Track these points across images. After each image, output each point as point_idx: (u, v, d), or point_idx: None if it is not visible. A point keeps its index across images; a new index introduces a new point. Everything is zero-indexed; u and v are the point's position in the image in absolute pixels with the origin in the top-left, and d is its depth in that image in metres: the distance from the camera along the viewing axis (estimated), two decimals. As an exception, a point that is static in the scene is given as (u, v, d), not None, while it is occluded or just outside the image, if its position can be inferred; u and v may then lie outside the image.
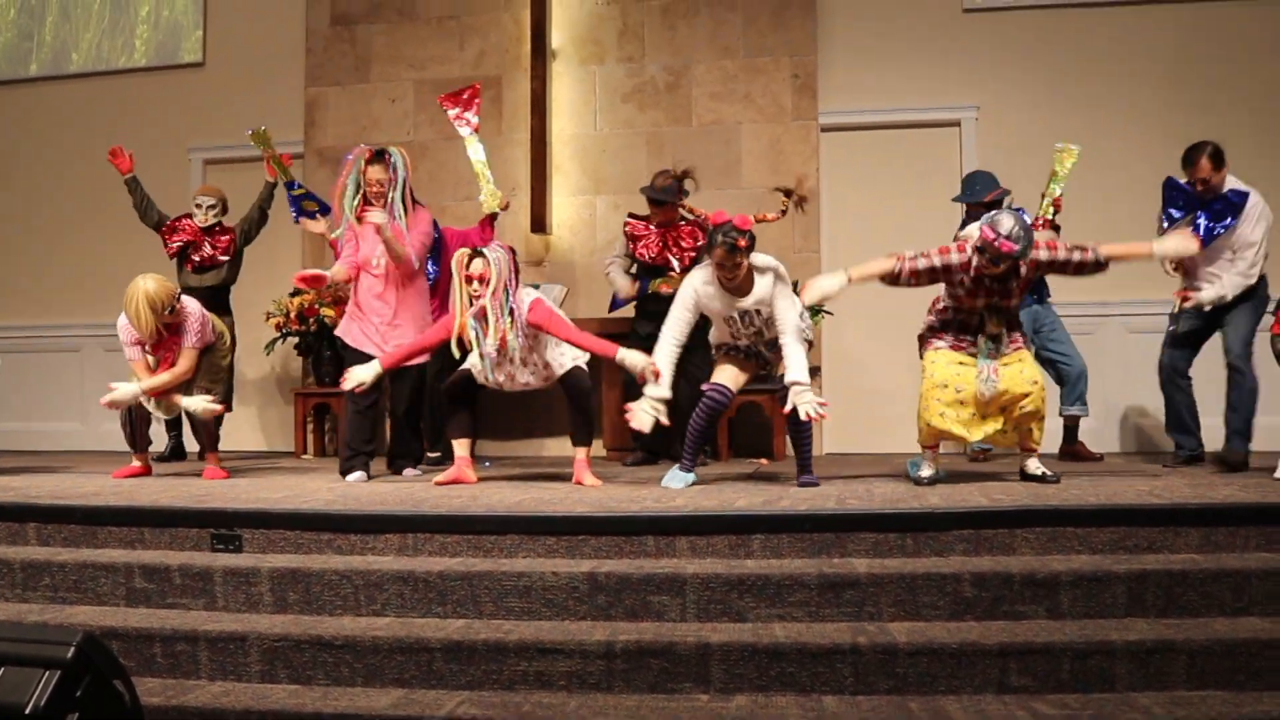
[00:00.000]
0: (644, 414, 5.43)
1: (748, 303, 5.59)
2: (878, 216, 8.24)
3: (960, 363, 5.40)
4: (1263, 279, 6.34)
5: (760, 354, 5.79)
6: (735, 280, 5.52)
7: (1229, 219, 6.23)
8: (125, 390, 6.09)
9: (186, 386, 6.25)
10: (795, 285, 7.49)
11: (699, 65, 8.36)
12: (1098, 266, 5.39)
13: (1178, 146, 6.42)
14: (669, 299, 6.92)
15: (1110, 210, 7.43)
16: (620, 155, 8.36)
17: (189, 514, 4.59)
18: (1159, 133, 7.85)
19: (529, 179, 8.29)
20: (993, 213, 5.37)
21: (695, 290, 5.62)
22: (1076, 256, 5.36)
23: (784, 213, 6.70)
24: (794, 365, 5.47)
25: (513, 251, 5.82)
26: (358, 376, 5.69)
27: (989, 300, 5.41)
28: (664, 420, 5.45)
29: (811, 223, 8.12)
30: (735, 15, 8.33)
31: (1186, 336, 6.45)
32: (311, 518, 4.50)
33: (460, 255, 5.73)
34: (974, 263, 5.29)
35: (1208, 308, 6.28)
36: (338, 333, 6.52)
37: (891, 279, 5.43)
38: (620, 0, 8.46)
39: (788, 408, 5.44)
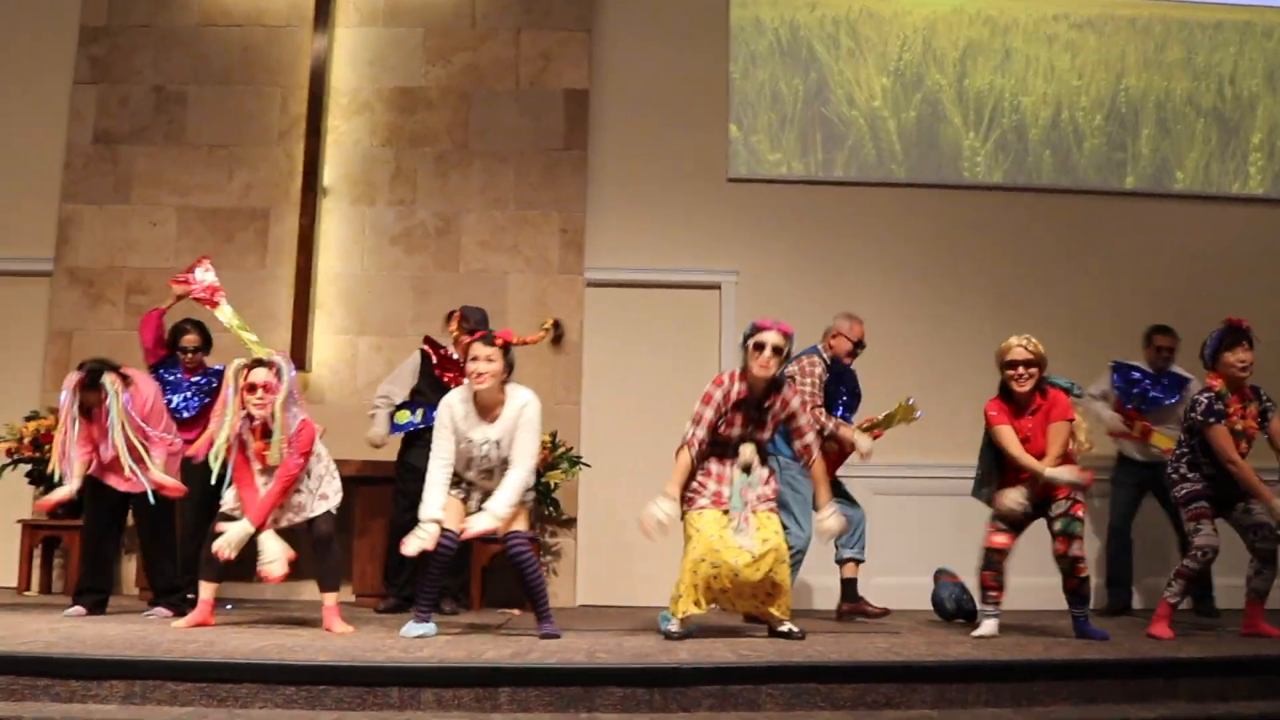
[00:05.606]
0: (414, 539, 5.31)
1: (493, 433, 5.46)
2: (638, 372, 8.41)
3: (722, 525, 5.39)
4: None
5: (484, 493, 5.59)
6: (484, 381, 5.38)
7: (1176, 396, 7.46)
8: None
9: None
10: (572, 462, 7.58)
11: (469, 214, 8.45)
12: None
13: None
14: None
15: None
16: (385, 297, 8.32)
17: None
18: (902, 307, 8.36)
19: (291, 315, 8.14)
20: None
21: (450, 406, 5.50)
22: (811, 424, 5.74)
23: (545, 334, 6.61)
24: (501, 492, 5.39)
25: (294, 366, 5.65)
26: (232, 542, 5.50)
27: (744, 430, 5.56)
28: (431, 546, 5.30)
29: (573, 375, 8.22)
30: (507, 168, 8.48)
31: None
32: (27, 661, 4.18)
33: (238, 365, 5.51)
34: (734, 391, 5.50)
35: None
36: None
37: (697, 460, 5.52)
38: (395, 144, 8.51)
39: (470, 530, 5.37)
